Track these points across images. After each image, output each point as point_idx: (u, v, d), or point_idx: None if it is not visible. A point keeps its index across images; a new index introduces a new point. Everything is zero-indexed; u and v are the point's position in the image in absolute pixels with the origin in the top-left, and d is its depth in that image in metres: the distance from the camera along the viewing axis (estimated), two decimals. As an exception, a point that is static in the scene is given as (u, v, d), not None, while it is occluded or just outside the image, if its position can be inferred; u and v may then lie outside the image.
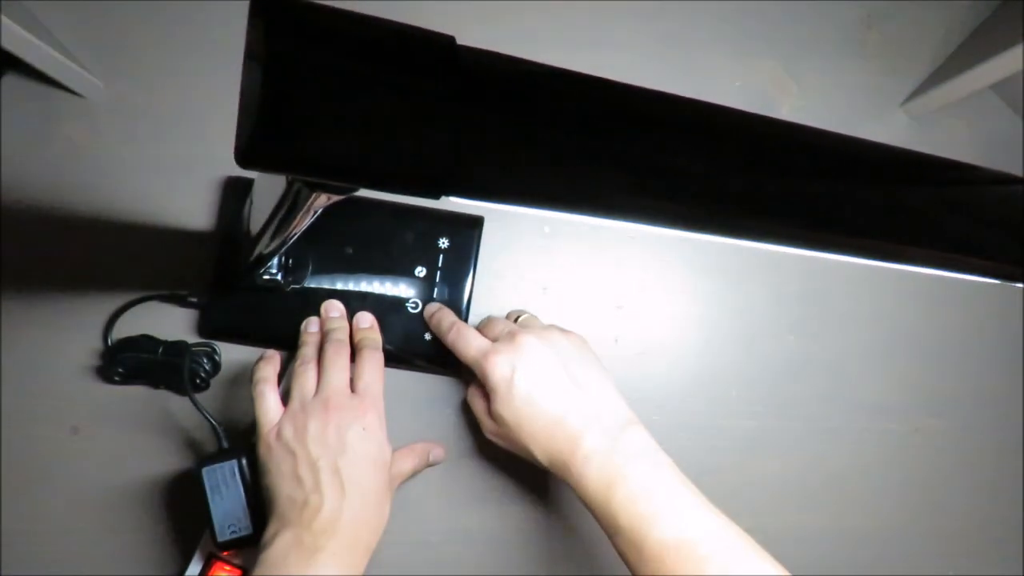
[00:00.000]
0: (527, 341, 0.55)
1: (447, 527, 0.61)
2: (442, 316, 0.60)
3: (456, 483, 0.62)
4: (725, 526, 0.48)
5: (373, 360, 0.56)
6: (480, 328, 0.59)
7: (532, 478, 0.63)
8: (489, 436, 0.58)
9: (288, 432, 0.52)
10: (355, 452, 0.51)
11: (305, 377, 0.55)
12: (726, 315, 0.67)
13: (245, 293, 0.60)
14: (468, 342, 0.57)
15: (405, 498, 0.61)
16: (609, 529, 0.49)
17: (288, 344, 0.61)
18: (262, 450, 0.52)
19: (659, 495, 0.48)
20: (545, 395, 0.53)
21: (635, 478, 0.49)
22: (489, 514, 0.62)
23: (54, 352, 0.60)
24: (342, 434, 0.51)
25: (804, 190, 0.35)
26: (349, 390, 0.55)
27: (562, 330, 0.57)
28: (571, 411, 0.52)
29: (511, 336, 0.56)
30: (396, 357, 0.61)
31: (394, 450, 0.55)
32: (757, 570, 0.46)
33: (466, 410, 0.63)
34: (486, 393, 0.56)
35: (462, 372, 0.62)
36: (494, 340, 0.56)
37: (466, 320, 0.62)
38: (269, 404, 0.54)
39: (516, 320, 0.60)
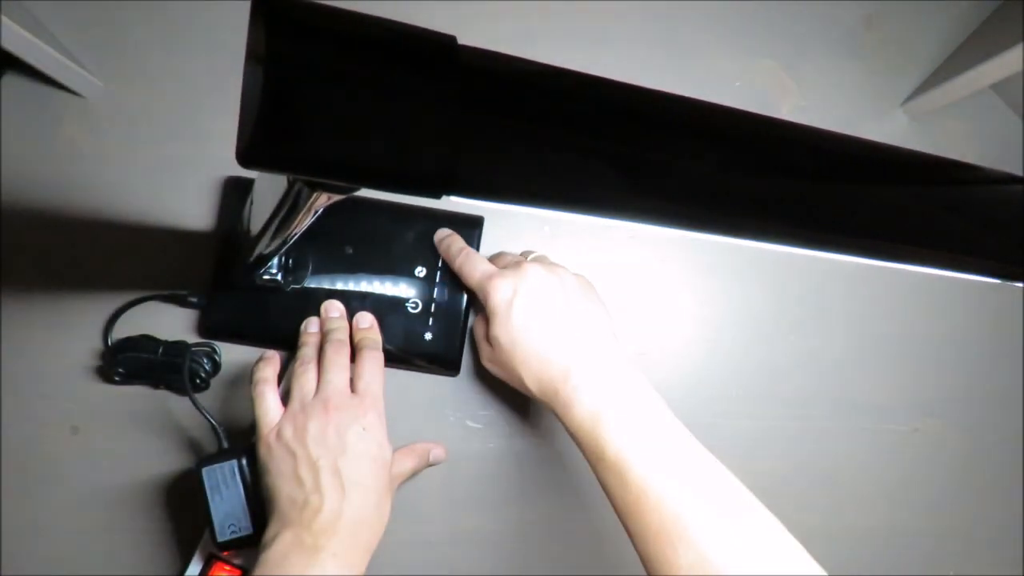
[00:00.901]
0: (532, 269, 0.55)
1: (447, 527, 0.61)
2: (452, 241, 0.61)
3: (456, 483, 0.62)
4: (711, 465, 0.47)
5: (373, 360, 0.57)
6: (490, 259, 0.60)
7: (532, 479, 0.63)
8: (484, 363, 0.59)
9: (288, 432, 0.52)
10: (355, 452, 0.51)
11: (305, 377, 0.55)
12: (726, 315, 0.67)
13: (245, 293, 0.60)
14: (474, 266, 0.58)
15: (405, 498, 0.61)
16: (592, 457, 0.49)
17: (288, 344, 0.61)
18: (262, 451, 0.52)
19: (647, 431, 0.48)
20: (543, 322, 0.53)
21: (622, 412, 0.49)
22: (489, 514, 0.62)
23: (54, 352, 0.60)
24: (342, 434, 0.51)
25: (804, 190, 0.35)
26: (349, 390, 0.55)
27: (567, 269, 0.58)
28: (567, 341, 0.52)
29: (518, 264, 0.56)
30: (396, 357, 0.61)
31: (394, 450, 0.55)
32: (739, 508, 0.45)
33: (465, 411, 0.63)
34: (487, 320, 0.56)
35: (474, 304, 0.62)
36: (503, 267, 0.57)
37: (465, 324, 0.62)
38: (269, 404, 0.54)
39: (526, 255, 0.61)
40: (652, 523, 0.45)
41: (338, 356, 0.56)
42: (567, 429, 0.51)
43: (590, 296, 0.56)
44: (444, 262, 0.61)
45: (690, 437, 0.49)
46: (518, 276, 0.55)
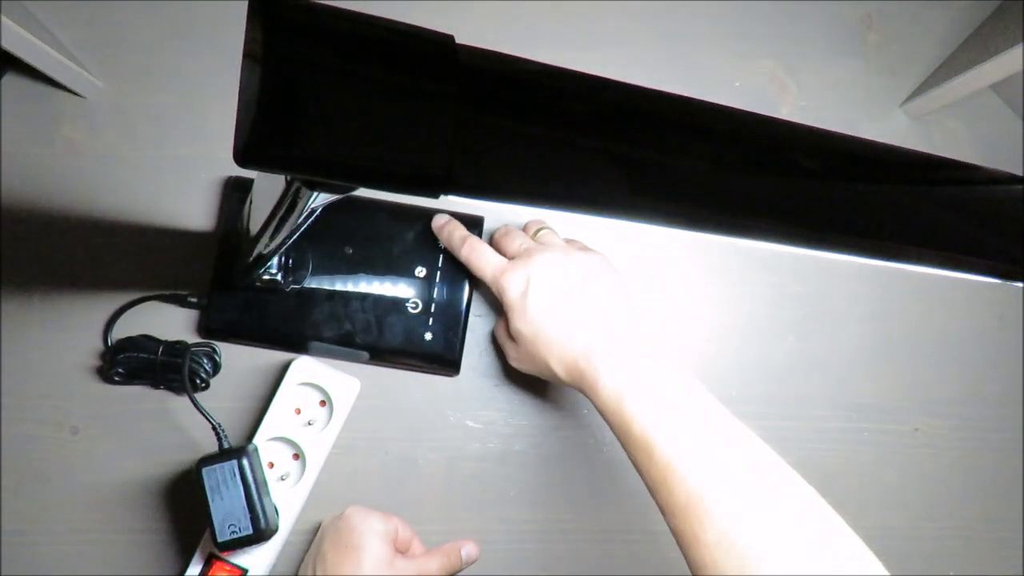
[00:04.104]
0: (542, 256, 0.55)
1: (447, 527, 0.61)
2: (453, 229, 0.59)
3: (456, 483, 0.62)
4: (740, 435, 0.46)
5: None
6: (496, 240, 0.59)
7: (532, 479, 0.63)
8: (512, 363, 0.58)
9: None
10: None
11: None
12: (726, 315, 0.67)
13: (245, 293, 0.60)
14: (484, 260, 0.57)
15: (405, 498, 0.61)
16: (620, 434, 0.49)
17: (288, 344, 0.61)
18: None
19: (673, 403, 0.47)
20: (560, 306, 0.53)
21: (649, 386, 0.48)
22: (489, 514, 0.62)
23: (54, 352, 0.60)
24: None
25: (804, 189, 0.36)
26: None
27: (583, 247, 0.57)
28: (587, 321, 0.52)
29: (527, 253, 0.56)
30: (396, 357, 0.61)
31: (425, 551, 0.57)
32: (767, 478, 0.45)
33: (465, 411, 0.63)
34: (506, 319, 0.56)
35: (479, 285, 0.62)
36: (512, 257, 0.56)
37: (465, 324, 0.62)
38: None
39: (535, 234, 0.60)
40: (679, 499, 0.44)
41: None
42: (597, 409, 0.50)
43: (605, 271, 0.55)
44: (444, 262, 0.61)
45: (718, 406, 0.48)
46: (529, 266, 0.54)
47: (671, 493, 0.45)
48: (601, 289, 0.54)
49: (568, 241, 0.60)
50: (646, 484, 0.47)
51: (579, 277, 0.54)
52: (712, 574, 0.42)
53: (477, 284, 0.62)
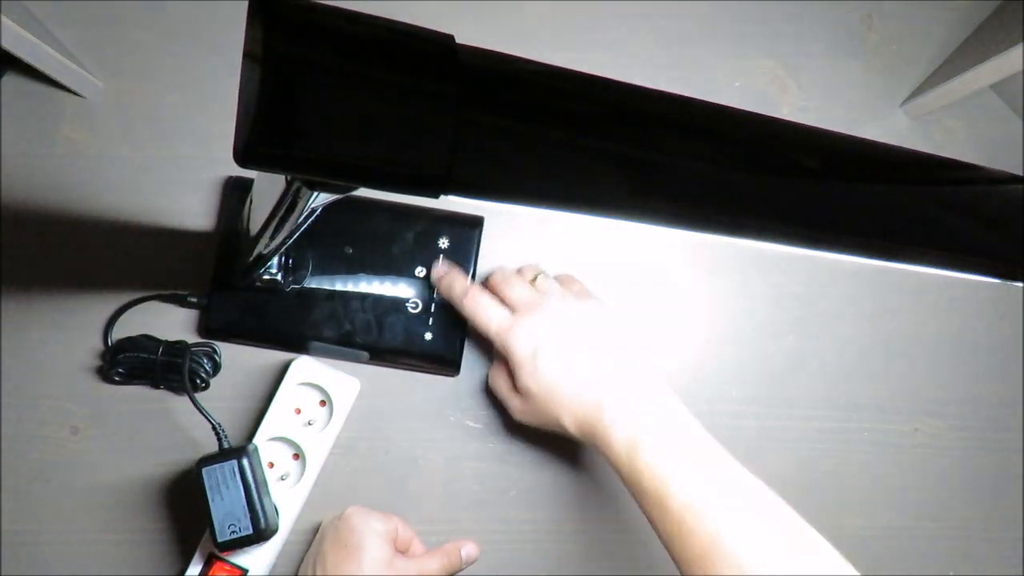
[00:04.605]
0: (547, 309, 0.55)
1: (447, 527, 0.61)
2: (453, 280, 0.59)
3: (456, 483, 0.62)
4: (749, 483, 0.47)
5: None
6: (493, 285, 0.59)
7: (532, 479, 0.63)
8: (517, 416, 0.58)
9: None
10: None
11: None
12: (726, 315, 0.67)
13: (245, 293, 0.60)
14: (487, 315, 0.56)
15: (405, 498, 0.61)
16: (635, 492, 0.49)
17: (288, 344, 0.61)
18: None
19: (684, 455, 0.48)
20: (570, 363, 0.53)
21: (659, 438, 0.49)
22: (489, 514, 0.62)
23: (54, 352, 0.60)
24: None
25: (804, 189, 0.35)
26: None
27: (580, 293, 0.57)
28: (597, 376, 0.52)
29: (531, 307, 0.55)
30: (396, 357, 0.61)
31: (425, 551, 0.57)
32: (777, 524, 0.45)
33: (465, 411, 0.63)
34: (508, 372, 0.56)
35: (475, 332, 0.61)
36: (514, 306, 0.56)
37: (465, 324, 0.61)
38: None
39: (532, 281, 0.59)
40: (694, 547, 0.45)
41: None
42: (610, 464, 0.51)
43: (610, 321, 0.56)
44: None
45: (726, 456, 0.49)
46: (535, 321, 0.54)
47: (685, 541, 0.45)
48: (607, 343, 0.54)
49: (564, 281, 0.60)
50: (660, 538, 0.48)
51: (585, 329, 0.54)
52: None
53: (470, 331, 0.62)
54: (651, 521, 0.48)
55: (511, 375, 0.56)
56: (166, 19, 0.63)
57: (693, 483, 0.47)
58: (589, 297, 0.58)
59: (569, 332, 0.54)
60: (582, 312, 0.56)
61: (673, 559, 0.47)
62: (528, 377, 0.54)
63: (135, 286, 0.60)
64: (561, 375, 0.53)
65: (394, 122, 0.27)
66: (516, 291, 0.57)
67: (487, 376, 0.61)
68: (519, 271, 0.61)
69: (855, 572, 0.44)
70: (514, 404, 0.57)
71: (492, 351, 0.62)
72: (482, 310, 0.57)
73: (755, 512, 0.46)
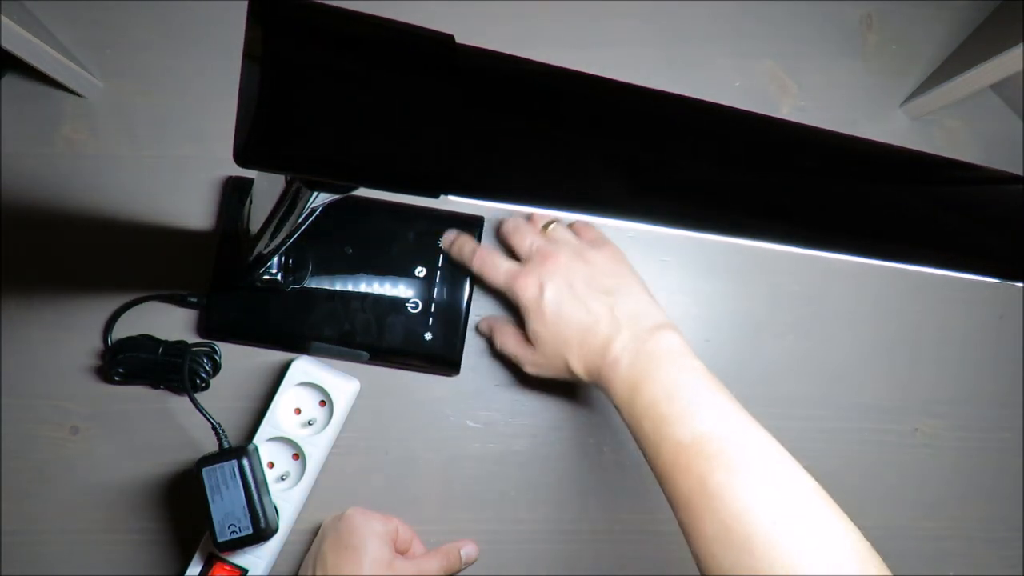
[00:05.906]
0: (555, 259, 0.55)
1: (448, 527, 0.61)
2: (462, 243, 0.59)
3: (456, 483, 0.62)
4: (744, 425, 0.47)
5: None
6: (505, 234, 0.59)
7: (532, 479, 0.63)
8: (528, 369, 0.58)
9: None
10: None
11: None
12: (726, 315, 0.67)
13: (245, 293, 0.60)
14: (495, 267, 0.57)
15: (407, 498, 0.61)
16: (634, 431, 0.49)
17: (287, 344, 0.61)
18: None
19: (682, 396, 0.48)
20: (576, 304, 0.53)
21: (660, 380, 0.49)
22: (489, 514, 0.62)
23: (54, 352, 0.60)
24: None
25: (804, 189, 0.36)
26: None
27: (594, 240, 0.57)
28: (602, 316, 0.52)
29: (540, 256, 0.56)
30: (396, 357, 0.61)
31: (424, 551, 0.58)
32: (768, 471, 0.45)
33: (465, 411, 0.63)
34: (513, 329, 0.57)
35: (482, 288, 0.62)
36: (523, 256, 0.57)
37: (465, 324, 0.62)
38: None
39: (545, 229, 0.59)
40: (683, 490, 0.45)
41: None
42: (613, 404, 0.51)
43: (619, 266, 0.56)
44: (444, 262, 0.61)
45: (724, 394, 0.48)
46: (542, 269, 0.55)
47: (676, 484, 0.45)
48: (613, 281, 0.54)
49: (579, 230, 0.60)
50: (656, 476, 0.48)
51: (591, 272, 0.54)
52: (712, 572, 0.42)
53: (477, 283, 0.62)
54: (647, 459, 0.49)
55: (520, 329, 0.56)
56: (166, 19, 0.63)
57: (687, 427, 0.46)
58: (605, 244, 0.58)
59: (580, 276, 0.54)
60: (591, 259, 0.55)
61: (666, 498, 0.47)
62: (536, 321, 0.54)
63: (135, 286, 0.60)
64: (569, 316, 0.53)
65: (394, 122, 0.27)
66: (527, 240, 0.58)
67: (494, 341, 0.61)
68: (530, 218, 0.61)
69: (834, 505, 0.43)
70: (524, 356, 0.57)
71: (492, 341, 0.62)
72: (490, 265, 0.57)
73: (749, 456, 0.45)
